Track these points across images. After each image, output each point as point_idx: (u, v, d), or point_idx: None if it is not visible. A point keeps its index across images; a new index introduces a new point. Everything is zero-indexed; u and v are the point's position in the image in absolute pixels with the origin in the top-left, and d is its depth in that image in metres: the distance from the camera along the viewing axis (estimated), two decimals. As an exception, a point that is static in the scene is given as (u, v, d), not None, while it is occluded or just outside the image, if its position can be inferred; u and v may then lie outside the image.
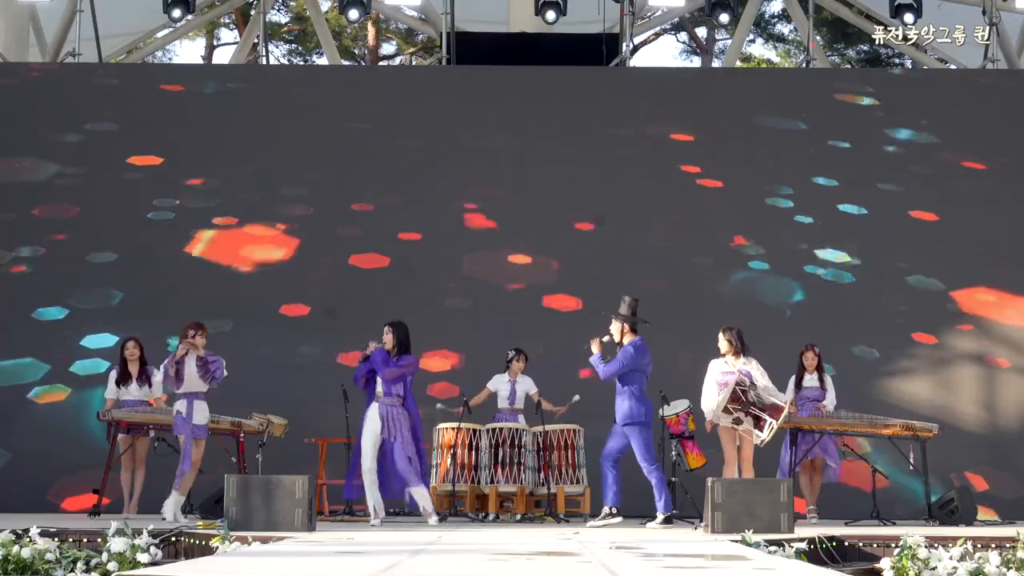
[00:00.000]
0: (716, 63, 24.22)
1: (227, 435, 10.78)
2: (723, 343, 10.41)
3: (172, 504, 9.94)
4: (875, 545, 8.30)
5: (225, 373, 10.33)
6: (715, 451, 10.64)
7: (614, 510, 9.88)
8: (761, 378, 10.26)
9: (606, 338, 9.99)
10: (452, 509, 10.79)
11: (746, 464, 10.27)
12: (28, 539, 7.60)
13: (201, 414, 10.11)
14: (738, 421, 10.08)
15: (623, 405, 9.84)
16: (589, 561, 5.89)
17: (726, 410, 10.06)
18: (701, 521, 9.33)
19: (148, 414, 10.84)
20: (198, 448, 10.13)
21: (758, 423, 10.02)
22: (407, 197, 13.74)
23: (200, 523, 8.86)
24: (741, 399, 10.00)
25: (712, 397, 10.31)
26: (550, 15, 14.50)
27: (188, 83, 14.49)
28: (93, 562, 7.55)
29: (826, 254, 13.60)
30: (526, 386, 11.35)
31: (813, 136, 14.04)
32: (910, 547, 7.64)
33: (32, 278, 13.36)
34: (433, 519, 9.88)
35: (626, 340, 9.96)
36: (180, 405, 10.14)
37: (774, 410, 10.00)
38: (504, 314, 13.02)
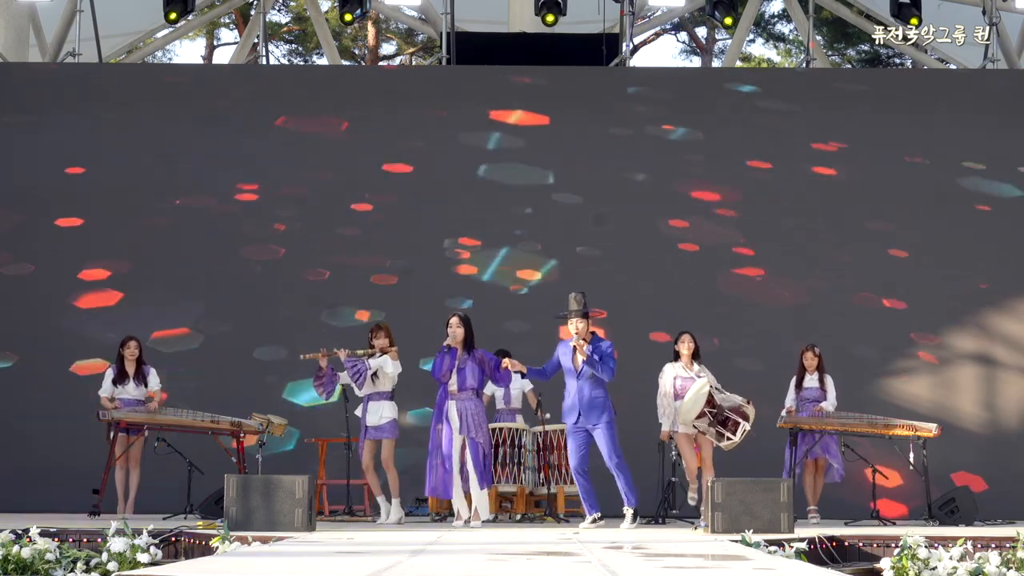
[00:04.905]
0: (716, 63, 24.20)
1: (227, 435, 10.78)
2: (684, 348, 10.03)
3: (390, 509, 10.16)
4: (875, 545, 8.31)
5: (375, 375, 10.04)
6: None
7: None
8: (716, 383, 10.00)
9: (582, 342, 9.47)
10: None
11: (707, 464, 9.95)
12: (28, 539, 7.60)
13: (375, 414, 10.05)
14: (713, 424, 9.74)
15: (606, 403, 9.42)
16: (589, 561, 5.89)
17: (700, 414, 9.73)
18: (701, 521, 9.32)
19: (148, 415, 10.83)
20: (385, 448, 10.03)
21: (726, 424, 9.75)
22: (407, 197, 13.73)
23: (200, 523, 8.85)
24: (714, 401, 9.75)
25: (670, 403, 9.99)
26: (549, 18, 14.50)
27: (188, 83, 14.47)
28: (93, 562, 7.55)
29: (824, 254, 13.61)
30: (519, 385, 11.33)
31: (812, 135, 14.03)
32: (910, 547, 7.64)
33: (33, 277, 13.38)
34: (478, 523, 9.53)
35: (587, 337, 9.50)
36: (359, 410, 10.17)
37: (741, 413, 9.76)
38: (505, 315, 13.02)
